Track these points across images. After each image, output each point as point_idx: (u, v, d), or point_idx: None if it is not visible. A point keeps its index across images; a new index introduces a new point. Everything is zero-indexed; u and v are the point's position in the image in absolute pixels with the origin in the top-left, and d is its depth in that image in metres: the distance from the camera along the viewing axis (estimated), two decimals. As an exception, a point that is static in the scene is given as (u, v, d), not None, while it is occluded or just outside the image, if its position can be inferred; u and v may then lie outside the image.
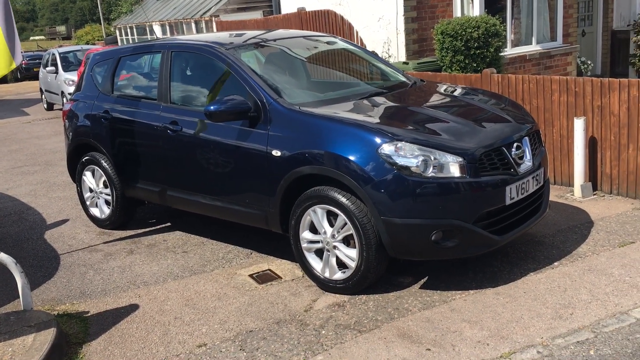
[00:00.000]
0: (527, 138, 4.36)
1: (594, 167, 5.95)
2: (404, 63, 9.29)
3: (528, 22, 10.89)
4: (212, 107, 4.40)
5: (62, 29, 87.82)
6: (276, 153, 4.30)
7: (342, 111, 4.35)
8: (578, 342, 3.39)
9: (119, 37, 23.73)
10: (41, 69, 17.74)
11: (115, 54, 5.91)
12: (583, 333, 3.48)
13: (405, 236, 3.89)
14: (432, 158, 3.86)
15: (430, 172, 3.84)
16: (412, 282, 4.30)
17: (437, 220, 3.85)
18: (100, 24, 28.78)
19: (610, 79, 5.72)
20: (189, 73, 5.30)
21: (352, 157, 3.94)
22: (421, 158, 3.84)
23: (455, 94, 5.07)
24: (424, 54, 10.25)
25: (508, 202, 4.05)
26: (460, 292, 4.10)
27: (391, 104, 4.68)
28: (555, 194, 5.95)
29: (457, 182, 3.87)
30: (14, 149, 11.28)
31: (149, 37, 20.62)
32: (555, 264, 4.41)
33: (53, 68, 15.99)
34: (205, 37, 5.74)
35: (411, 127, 4.14)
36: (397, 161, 3.84)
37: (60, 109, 15.48)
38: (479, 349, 3.40)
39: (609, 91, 5.68)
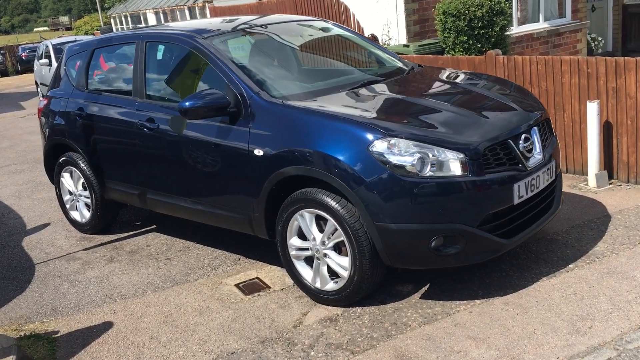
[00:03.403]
0: (536, 128, 3.91)
1: (610, 154, 5.50)
2: (405, 46, 8.81)
3: (535, -1, 10.36)
4: (187, 103, 3.99)
5: (65, 19, 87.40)
6: (258, 152, 3.89)
7: (330, 104, 3.92)
8: (599, 362, 2.99)
9: (114, 27, 23.28)
10: (35, 62, 17.36)
11: (88, 46, 5.50)
12: (604, 351, 3.07)
13: (401, 243, 3.48)
14: (430, 155, 3.43)
15: (428, 171, 3.42)
16: (412, 291, 3.89)
17: (437, 225, 3.44)
18: (99, 13, 28.34)
19: (626, 58, 5.24)
20: (164, 65, 4.88)
21: (340, 156, 3.52)
22: (417, 156, 3.41)
23: (456, 80, 4.63)
24: (426, 35, 9.75)
25: (516, 201, 3.63)
26: (465, 302, 3.69)
27: (384, 93, 4.25)
28: (567, 184, 5.51)
29: (458, 181, 3.44)
30: (4, 147, 10.93)
31: (143, 25, 20.19)
32: (571, 266, 3.99)
33: (47, 60, 15.58)
34: (187, 24, 5.30)
35: (406, 120, 3.71)
36: (391, 159, 3.42)
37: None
38: (486, 373, 3.01)
39: (625, 71, 5.21)
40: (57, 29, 78.80)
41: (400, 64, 4.95)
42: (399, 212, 3.44)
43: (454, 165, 3.46)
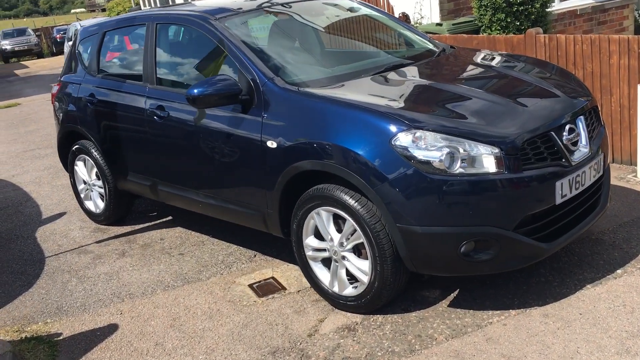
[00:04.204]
0: (582, 117, 3.49)
1: (662, 143, 5.01)
2: (438, 25, 8.34)
3: (579, -28, 9.71)
4: (195, 91, 3.67)
5: (100, 0, 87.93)
6: (272, 144, 3.56)
7: (350, 90, 3.56)
8: (653, 391, 2.60)
9: (142, 7, 23.08)
10: (66, 43, 17.37)
11: (99, 28, 5.22)
12: (659, 377, 2.68)
13: (427, 248, 3.13)
14: (461, 150, 3.05)
15: (457, 168, 3.04)
16: (439, 298, 3.54)
17: (468, 228, 3.06)
18: (130, -7, 28.20)
19: (683, 36, 4.73)
20: (175, 49, 4.58)
21: (359, 150, 3.16)
22: (446, 150, 3.04)
23: (491, 63, 4.20)
24: (461, 13, 9.24)
25: (559, 201, 3.22)
26: (498, 312, 3.32)
27: (411, 79, 3.85)
28: (614, 175, 5.04)
29: (492, 179, 3.05)
30: (31, 130, 10.85)
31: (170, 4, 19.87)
32: (619, 271, 3.57)
33: (76, 42, 15.50)
34: (207, 3, 4.93)
35: (434, 110, 3.33)
36: (416, 154, 3.05)
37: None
38: (521, 400, 2.65)
39: (682, 52, 4.71)
40: (94, 10, 79.31)
41: (430, 46, 4.54)
42: (425, 213, 3.07)
43: (488, 161, 3.07)
